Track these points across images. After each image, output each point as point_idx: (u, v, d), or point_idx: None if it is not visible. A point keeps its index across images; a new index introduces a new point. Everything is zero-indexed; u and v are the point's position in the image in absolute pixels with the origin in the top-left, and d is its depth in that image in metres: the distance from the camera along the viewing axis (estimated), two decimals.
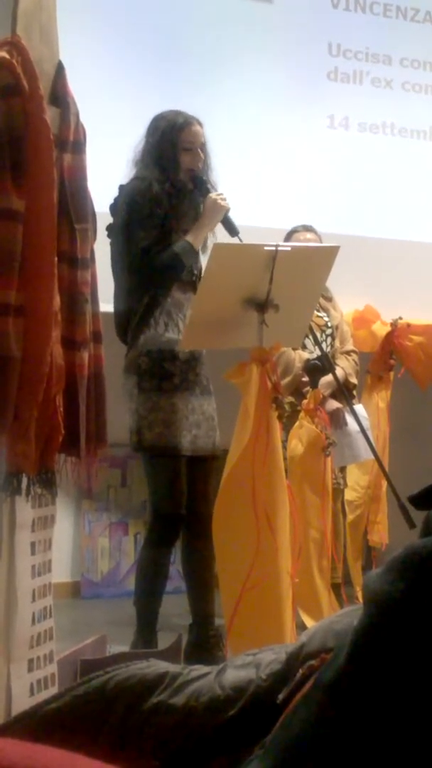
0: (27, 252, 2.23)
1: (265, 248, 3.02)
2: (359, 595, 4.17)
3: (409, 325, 4.78)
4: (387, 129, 5.09)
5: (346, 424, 4.10)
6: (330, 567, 3.81)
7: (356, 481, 4.61)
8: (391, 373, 4.81)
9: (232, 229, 3.48)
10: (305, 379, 4.15)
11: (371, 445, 3.74)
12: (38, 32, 2.36)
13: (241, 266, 3.04)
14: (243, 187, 3.68)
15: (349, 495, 4.58)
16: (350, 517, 4.62)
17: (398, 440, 4.77)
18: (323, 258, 3.24)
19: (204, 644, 3.52)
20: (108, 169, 3.42)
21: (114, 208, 3.56)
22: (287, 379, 4.03)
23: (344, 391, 4.01)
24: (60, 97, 2.41)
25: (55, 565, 2.55)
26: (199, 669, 1.32)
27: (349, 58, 5.01)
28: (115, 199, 3.57)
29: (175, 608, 3.87)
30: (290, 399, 4.02)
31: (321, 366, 4.05)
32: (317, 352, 4.03)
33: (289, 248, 3.16)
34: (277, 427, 2.99)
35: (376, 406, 4.70)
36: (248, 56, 4.70)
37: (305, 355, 4.18)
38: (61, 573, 4.50)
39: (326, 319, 4.37)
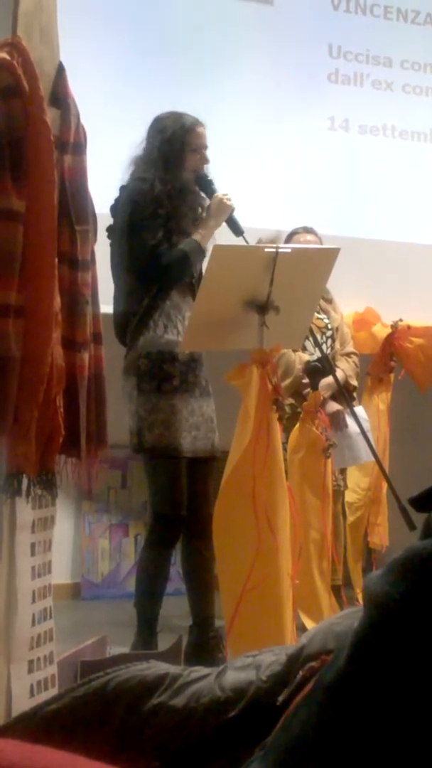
0: (27, 253, 2.22)
1: (266, 250, 3.02)
2: (359, 596, 4.17)
3: (409, 327, 4.78)
4: (387, 131, 5.10)
5: (346, 425, 4.10)
6: (330, 569, 3.80)
7: (356, 483, 4.61)
8: (392, 375, 4.80)
9: (236, 229, 3.49)
10: (305, 380, 4.15)
11: (371, 447, 3.74)
12: (39, 33, 2.36)
13: (241, 268, 3.04)
14: (243, 188, 3.68)
15: (349, 497, 4.58)
16: (350, 518, 4.61)
17: (398, 442, 4.76)
18: (324, 260, 3.24)
19: (204, 646, 3.52)
20: (108, 171, 3.42)
21: (115, 209, 3.56)
22: (287, 381, 4.03)
23: (344, 393, 4.01)
24: (60, 98, 2.41)
25: (56, 567, 2.55)
26: (200, 670, 1.32)
27: (350, 60, 5.01)
28: (116, 200, 3.57)
29: (175, 609, 3.86)
30: (290, 401, 4.02)
31: (321, 368, 4.05)
32: (317, 354, 4.03)
33: (289, 250, 3.16)
34: (277, 428, 2.99)
35: (376, 407, 4.70)
36: (248, 58, 4.70)
37: (305, 357, 4.18)
38: (61, 574, 4.50)
39: (326, 321, 4.37)
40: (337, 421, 4.09)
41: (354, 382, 4.37)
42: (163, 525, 3.56)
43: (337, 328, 4.39)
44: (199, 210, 3.58)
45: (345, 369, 4.28)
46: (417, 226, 5.07)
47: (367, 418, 4.21)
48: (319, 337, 4.09)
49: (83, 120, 2.48)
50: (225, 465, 2.97)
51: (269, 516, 2.90)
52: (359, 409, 4.13)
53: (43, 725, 1.27)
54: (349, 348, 4.44)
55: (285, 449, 3.40)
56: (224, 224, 3.52)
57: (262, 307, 3.01)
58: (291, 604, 2.97)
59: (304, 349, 4.16)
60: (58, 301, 2.30)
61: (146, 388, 3.46)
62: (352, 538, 4.65)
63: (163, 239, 3.46)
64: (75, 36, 3.26)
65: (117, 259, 3.55)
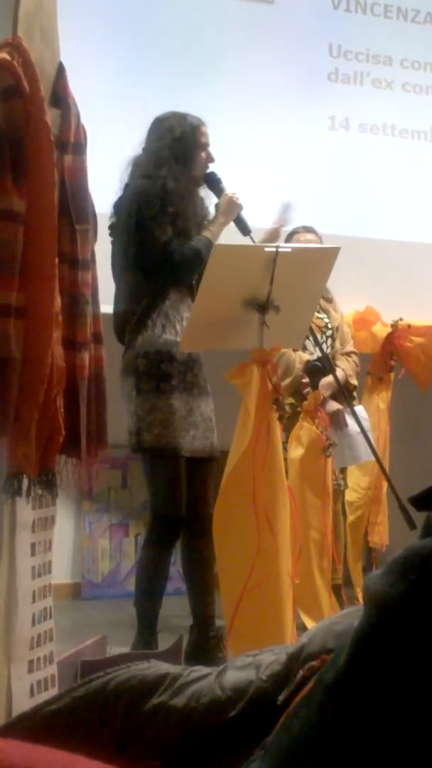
0: (28, 253, 2.22)
1: (266, 249, 3.02)
2: (360, 596, 4.17)
3: (409, 326, 4.78)
4: (388, 130, 5.09)
5: (346, 425, 4.10)
6: (330, 568, 3.80)
7: (357, 482, 4.61)
8: (392, 374, 4.80)
9: (244, 228, 3.50)
10: (306, 380, 4.15)
11: (372, 446, 3.74)
12: (39, 33, 2.37)
13: (241, 267, 3.04)
14: (243, 188, 3.68)
15: (349, 496, 4.58)
16: (351, 518, 4.61)
17: (399, 441, 4.77)
18: (324, 259, 3.24)
19: (204, 645, 3.52)
20: (108, 171, 3.42)
21: (118, 207, 3.55)
22: (288, 381, 4.03)
23: (344, 393, 4.01)
24: (61, 98, 2.41)
25: (56, 566, 2.55)
26: (200, 670, 1.32)
27: (350, 59, 5.01)
28: (120, 198, 3.56)
29: (175, 609, 3.86)
30: (291, 400, 4.02)
31: (321, 367, 4.05)
32: (318, 354, 4.03)
33: (289, 249, 3.16)
34: (277, 428, 2.99)
35: (376, 407, 4.70)
36: (249, 57, 4.70)
37: (306, 356, 4.18)
38: (61, 574, 4.50)
39: (326, 320, 4.37)
40: (337, 421, 4.09)
41: (354, 382, 4.37)
42: (163, 525, 3.56)
43: (337, 328, 4.39)
44: (204, 209, 3.58)
45: (345, 368, 4.28)
46: (417, 225, 5.07)
47: (367, 418, 4.22)
48: (319, 336, 4.09)
49: (83, 120, 2.48)
50: (225, 465, 2.97)
51: (269, 515, 2.90)
52: (359, 409, 4.13)
53: (43, 725, 1.27)
54: (350, 347, 4.44)
55: (285, 449, 3.41)
56: (231, 223, 3.53)
57: (263, 307, 3.01)
58: (291, 603, 2.97)
59: (305, 348, 4.16)
60: (58, 301, 2.30)
61: (145, 387, 3.46)
62: (353, 538, 4.65)
63: (174, 236, 3.47)
64: (75, 36, 3.27)
65: (119, 257, 3.55)
